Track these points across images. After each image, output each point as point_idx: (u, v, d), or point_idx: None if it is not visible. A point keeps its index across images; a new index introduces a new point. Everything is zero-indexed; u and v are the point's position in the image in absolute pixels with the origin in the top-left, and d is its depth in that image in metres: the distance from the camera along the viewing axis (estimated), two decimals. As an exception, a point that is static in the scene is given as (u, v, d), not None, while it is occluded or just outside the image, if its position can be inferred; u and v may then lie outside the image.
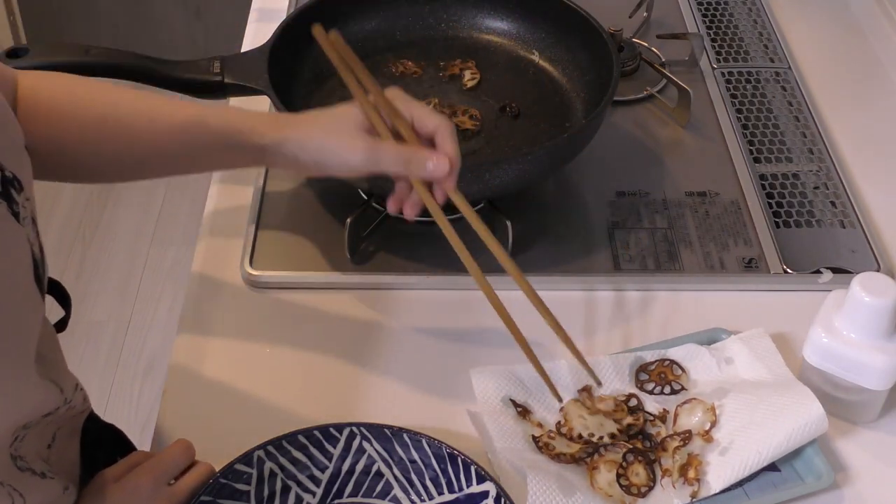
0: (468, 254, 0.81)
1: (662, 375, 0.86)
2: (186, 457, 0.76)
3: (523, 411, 0.84)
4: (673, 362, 0.87)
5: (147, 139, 0.81)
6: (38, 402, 0.64)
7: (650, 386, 0.86)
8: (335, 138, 0.81)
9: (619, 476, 0.79)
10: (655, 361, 0.87)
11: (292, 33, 1.06)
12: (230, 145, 0.82)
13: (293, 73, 1.08)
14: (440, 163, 0.80)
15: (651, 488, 0.79)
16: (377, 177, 0.82)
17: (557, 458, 0.80)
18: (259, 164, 0.92)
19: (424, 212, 1.02)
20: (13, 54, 0.96)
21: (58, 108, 0.78)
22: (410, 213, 0.84)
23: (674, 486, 0.79)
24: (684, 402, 0.84)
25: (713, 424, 0.82)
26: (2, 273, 0.58)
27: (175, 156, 0.83)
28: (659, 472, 0.80)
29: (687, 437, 0.81)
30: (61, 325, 0.78)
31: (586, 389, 0.85)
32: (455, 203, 0.82)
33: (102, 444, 0.82)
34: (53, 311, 0.76)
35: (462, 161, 1.03)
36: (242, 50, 1.13)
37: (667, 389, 0.86)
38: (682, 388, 0.86)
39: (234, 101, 1.14)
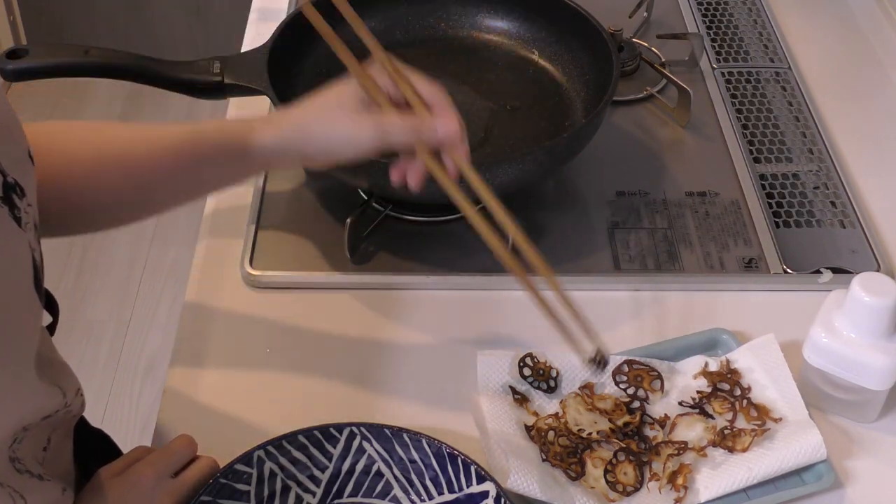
0: (496, 239, 0.78)
1: (639, 378, 0.86)
2: (189, 451, 0.76)
3: (521, 399, 0.84)
4: (651, 368, 0.86)
5: (146, 164, 0.77)
6: (38, 405, 0.64)
7: (623, 386, 0.86)
8: (339, 122, 0.77)
9: (606, 472, 0.79)
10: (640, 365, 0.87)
11: (292, 33, 1.06)
12: (232, 155, 0.78)
13: (293, 73, 1.08)
14: (449, 123, 0.76)
15: (637, 489, 0.79)
16: (385, 156, 0.79)
17: (547, 448, 0.80)
18: (264, 167, 0.90)
19: (424, 211, 1.02)
20: (13, 55, 0.96)
21: (56, 152, 0.74)
22: (415, 182, 0.79)
23: (660, 491, 0.79)
24: (685, 414, 0.84)
25: (710, 444, 0.81)
26: (2, 275, 0.58)
27: (177, 178, 0.79)
28: (648, 475, 0.80)
29: (682, 447, 0.81)
30: (50, 331, 0.77)
31: (588, 386, 0.85)
32: (467, 178, 0.78)
33: (92, 449, 0.82)
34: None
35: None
36: (242, 50, 1.13)
37: (640, 393, 0.85)
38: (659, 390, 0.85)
39: (234, 102, 1.14)
